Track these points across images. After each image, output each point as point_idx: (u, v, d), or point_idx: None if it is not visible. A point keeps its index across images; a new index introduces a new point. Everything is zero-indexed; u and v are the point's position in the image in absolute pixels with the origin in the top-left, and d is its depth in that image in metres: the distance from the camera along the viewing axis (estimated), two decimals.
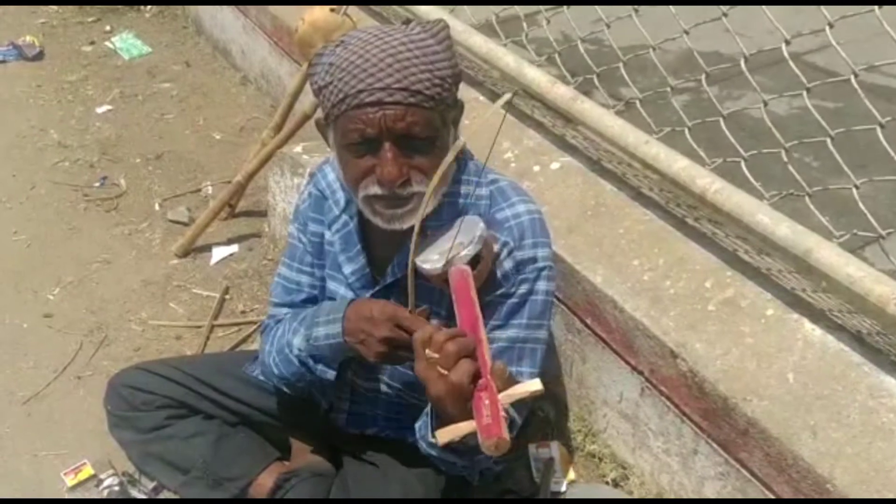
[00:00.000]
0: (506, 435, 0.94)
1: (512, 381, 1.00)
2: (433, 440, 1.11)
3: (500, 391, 0.98)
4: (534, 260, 1.26)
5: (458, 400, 1.01)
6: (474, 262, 1.14)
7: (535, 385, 0.98)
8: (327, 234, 1.36)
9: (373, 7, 2.46)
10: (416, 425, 1.27)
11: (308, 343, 1.29)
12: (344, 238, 1.33)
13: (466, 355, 1.02)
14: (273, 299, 1.47)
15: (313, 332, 1.27)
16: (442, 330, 1.05)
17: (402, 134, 1.12)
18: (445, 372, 1.01)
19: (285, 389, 1.42)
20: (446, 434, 1.02)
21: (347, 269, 1.33)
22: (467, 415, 1.00)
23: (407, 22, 1.20)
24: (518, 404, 1.25)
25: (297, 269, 1.42)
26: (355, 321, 1.22)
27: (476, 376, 1.00)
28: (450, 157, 1.07)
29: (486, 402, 0.97)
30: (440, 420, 1.07)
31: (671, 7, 1.67)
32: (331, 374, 1.32)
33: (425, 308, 1.19)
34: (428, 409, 1.19)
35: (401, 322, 1.17)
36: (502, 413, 0.96)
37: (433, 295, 1.27)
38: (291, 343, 1.32)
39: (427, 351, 1.04)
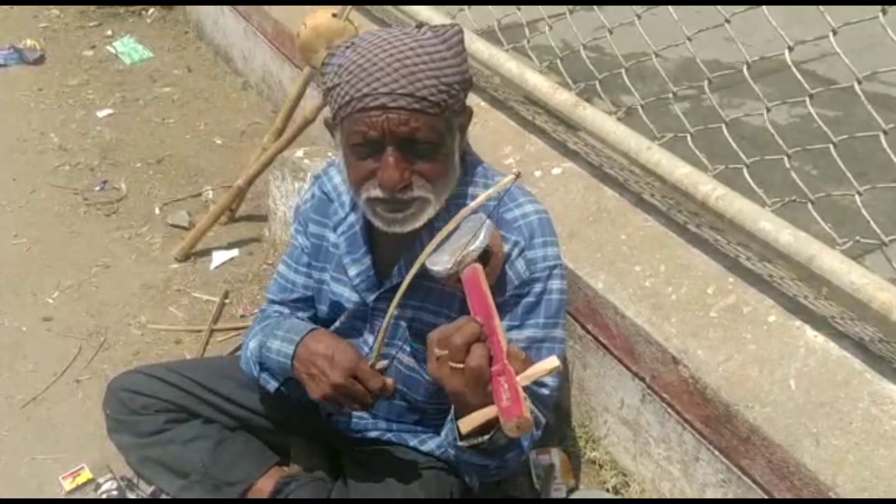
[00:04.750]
0: (527, 414, 0.94)
1: (530, 364, 1.00)
2: (461, 443, 1.11)
3: (517, 374, 0.98)
4: (545, 258, 1.26)
5: (477, 387, 1.00)
6: (484, 258, 1.14)
7: (552, 363, 0.97)
8: (332, 237, 1.36)
9: (374, 13, 2.47)
10: (443, 433, 1.26)
11: (260, 350, 1.33)
12: (349, 240, 1.33)
13: (476, 341, 1.01)
14: (269, 295, 1.49)
15: (268, 341, 1.31)
16: (447, 326, 1.05)
17: (405, 138, 1.12)
18: (458, 365, 1.01)
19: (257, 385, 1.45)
20: (468, 422, 1.02)
21: (352, 272, 1.33)
22: (489, 403, 1.00)
23: (420, 25, 1.20)
24: (543, 407, 1.29)
25: (293, 268, 1.43)
26: (311, 353, 1.24)
27: (491, 360, 1.00)
28: (450, 225, 1.12)
29: (505, 385, 0.97)
30: (463, 416, 1.06)
31: (673, 13, 1.67)
32: (272, 386, 1.38)
33: (386, 363, 1.22)
34: (451, 415, 1.18)
35: (359, 374, 1.19)
36: (522, 394, 0.96)
37: (443, 298, 1.27)
38: (248, 345, 1.39)
39: (436, 349, 1.04)
